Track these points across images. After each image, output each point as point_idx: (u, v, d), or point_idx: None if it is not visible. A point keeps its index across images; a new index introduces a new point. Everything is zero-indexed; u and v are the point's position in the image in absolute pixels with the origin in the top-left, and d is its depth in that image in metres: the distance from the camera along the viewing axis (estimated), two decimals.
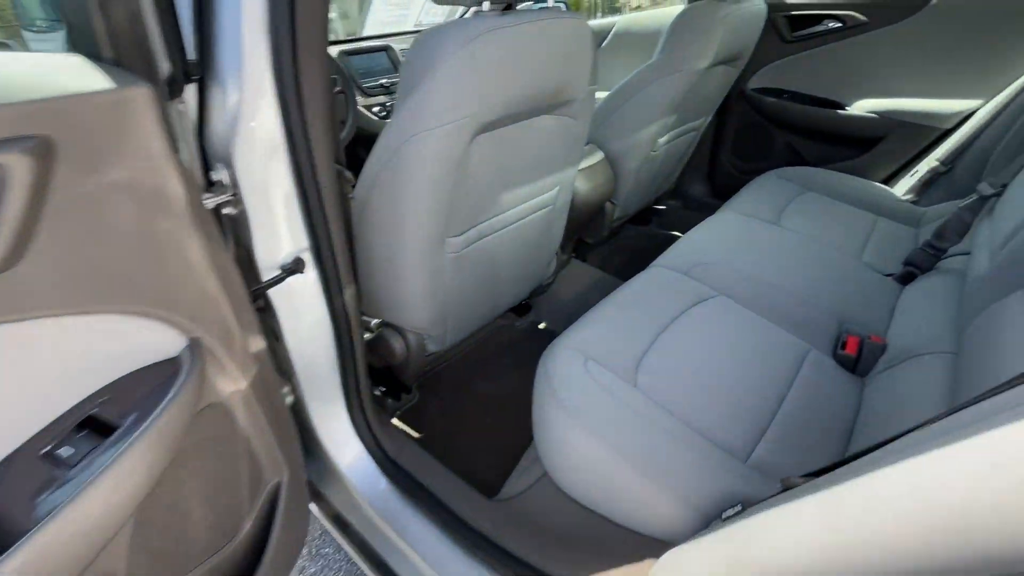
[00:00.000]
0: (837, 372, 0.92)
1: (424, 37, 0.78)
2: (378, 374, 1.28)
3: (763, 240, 1.25)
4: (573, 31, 0.92)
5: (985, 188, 0.99)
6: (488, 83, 0.80)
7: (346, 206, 0.89)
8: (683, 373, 0.86)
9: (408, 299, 1.01)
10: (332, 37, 1.92)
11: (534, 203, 1.14)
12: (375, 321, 1.13)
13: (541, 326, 1.63)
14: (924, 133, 1.52)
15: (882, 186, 1.57)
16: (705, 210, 2.17)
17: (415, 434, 1.24)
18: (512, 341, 1.58)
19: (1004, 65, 1.38)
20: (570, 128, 1.08)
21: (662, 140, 1.59)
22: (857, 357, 0.93)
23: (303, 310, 0.82)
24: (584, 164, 1.46)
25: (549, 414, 0.80)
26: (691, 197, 2.17)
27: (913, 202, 1.50)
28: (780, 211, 1.41)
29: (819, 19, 1.63)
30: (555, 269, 1.49)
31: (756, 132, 1.90)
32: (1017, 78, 1.36)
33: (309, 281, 0.79)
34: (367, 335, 1.16)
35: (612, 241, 2.09)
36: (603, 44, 2.25)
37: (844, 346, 0.95)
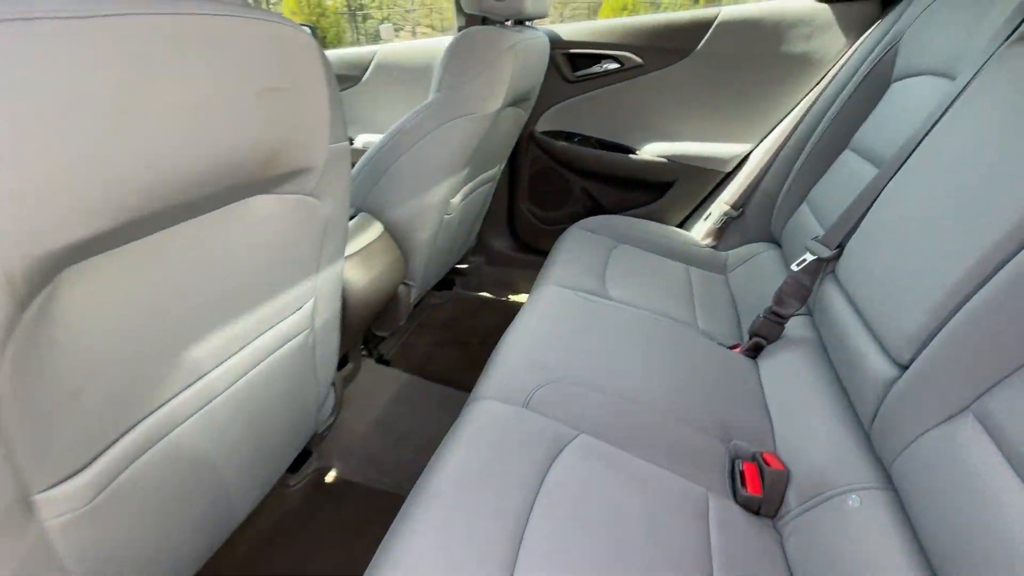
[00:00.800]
0: (748, 524, 0.67)
1: None
2: None
3: (598, 326, 0.99)
4: (281, 45, 0.49)
5: (820, 249, 0.89)
6: (46, 148, 0.31)
7: None
8: None
9: None
10: None
11: (270, 338, 0.67)
12: None
13: (330, 477, 1.12)
14: (709, 176, 1.51)
15: (683, 232, 1.52)
16: (510, 264, 1.95)
17: None
18: (286, 515, 1.03)
19: (763, 111, 1.44)
20: (313, 211, 0.64)
21: (456, 200, 1.26)
22: (761, 495, 0.70)
23: None
24: (355, 247, 1.01)
25: None
26: (494, 252, 1.91)
27: (712, 246, 1.46)
28: (601, 276, 1.20)
29: (597, 59, 1.53)
30: (337, 399, 1.01)
31: (551, 178, 1.72)
32: (777, 123, 1.42)
33: None
34: None
35: (411, 318, 1.68)
36: (363, 79, 1.86)
37: (743, 481, 0.71)
